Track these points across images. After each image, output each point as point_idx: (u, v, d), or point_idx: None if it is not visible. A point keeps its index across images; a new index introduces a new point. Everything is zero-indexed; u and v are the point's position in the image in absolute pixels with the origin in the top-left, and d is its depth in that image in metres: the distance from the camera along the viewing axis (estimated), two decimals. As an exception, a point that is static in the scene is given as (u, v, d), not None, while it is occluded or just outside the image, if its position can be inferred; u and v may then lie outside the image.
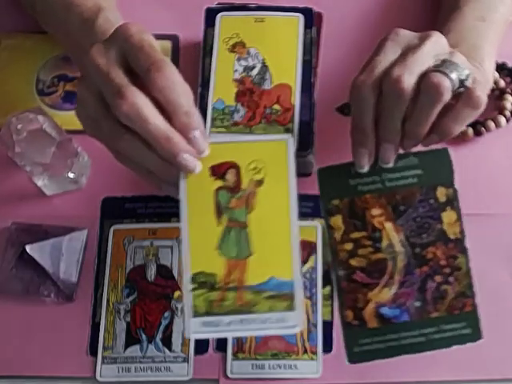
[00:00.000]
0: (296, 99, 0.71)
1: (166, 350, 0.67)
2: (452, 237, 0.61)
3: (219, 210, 0.59)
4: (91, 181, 0.74)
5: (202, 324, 0.58)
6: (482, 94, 0.61)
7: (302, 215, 0.68)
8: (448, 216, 0.61)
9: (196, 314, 0.58)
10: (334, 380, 0.66)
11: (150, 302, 0.69)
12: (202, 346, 0.67)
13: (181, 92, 0.57)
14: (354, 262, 0.61)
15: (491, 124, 0.75)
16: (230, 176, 0.60)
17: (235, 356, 0.67)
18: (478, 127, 0.75)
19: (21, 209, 0.73)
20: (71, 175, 0.71)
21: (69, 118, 0.74)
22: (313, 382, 0.66)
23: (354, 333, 0.61)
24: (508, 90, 0.78)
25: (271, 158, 0.60)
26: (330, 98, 0.76)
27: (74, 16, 0.70)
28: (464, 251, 0.61)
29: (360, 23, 0.82)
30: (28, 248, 0.69)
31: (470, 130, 0.75)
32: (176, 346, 0.67)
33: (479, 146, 0.76)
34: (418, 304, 0.60)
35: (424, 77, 0.58)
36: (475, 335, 0.61)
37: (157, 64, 0.57)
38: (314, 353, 0.67)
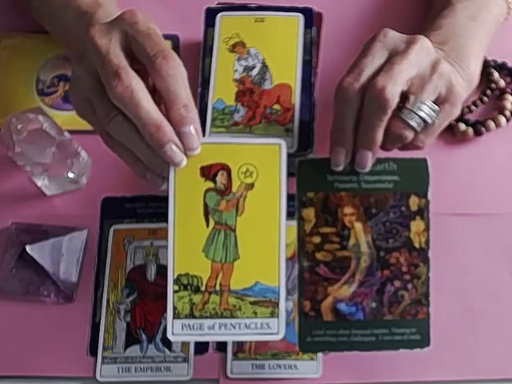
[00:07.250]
0: (296, 99, 0.71)
1: (166, 350, 0.67)
2: (417, 246, 0.62)
3: (207, 212, 0.59)
4: (91, 181, 0.74)
5: (184, 326, 0.58)
6: (464, 94, 0.63)
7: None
8: (416, 225, 0.62)
9: (177, 316, 0.58)
10: (334, 380, 0.66)
11: (150, 301, 0.69)
12: (202, 346, 0.67)
13: (184, 85, 0.57)
14: (319, 256, 0.61)
15: (491, 124, 0.75)
16: (221, 178, 0.59)
17: (235, 356, 0.67)
18: (478, 127, 0.75)
19: (21, 209, 0.73)
20: (71, 175, 0.71)
21: (69, 118, 0.74)
22: (313, 382, 0.66)
23: (309, 323, 0.61)
24: (508, 89, 0.78)
25: (263, 161, 0.59)
26: (330, 98, 0.76)
27: (72, 10, 0.69)
28: (426, 261, 0.62)
29: (360, 23, 0.82)
30: (28, 248, 0.69)
31: (470, 130, 0.75)
32: (176, 346, 0.67)
33: (479, 145, 0.76)
34: (373, 305, 0.62)
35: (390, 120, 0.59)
36: (424, 342, 0.62)
37: (164, 52, 0.56)
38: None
